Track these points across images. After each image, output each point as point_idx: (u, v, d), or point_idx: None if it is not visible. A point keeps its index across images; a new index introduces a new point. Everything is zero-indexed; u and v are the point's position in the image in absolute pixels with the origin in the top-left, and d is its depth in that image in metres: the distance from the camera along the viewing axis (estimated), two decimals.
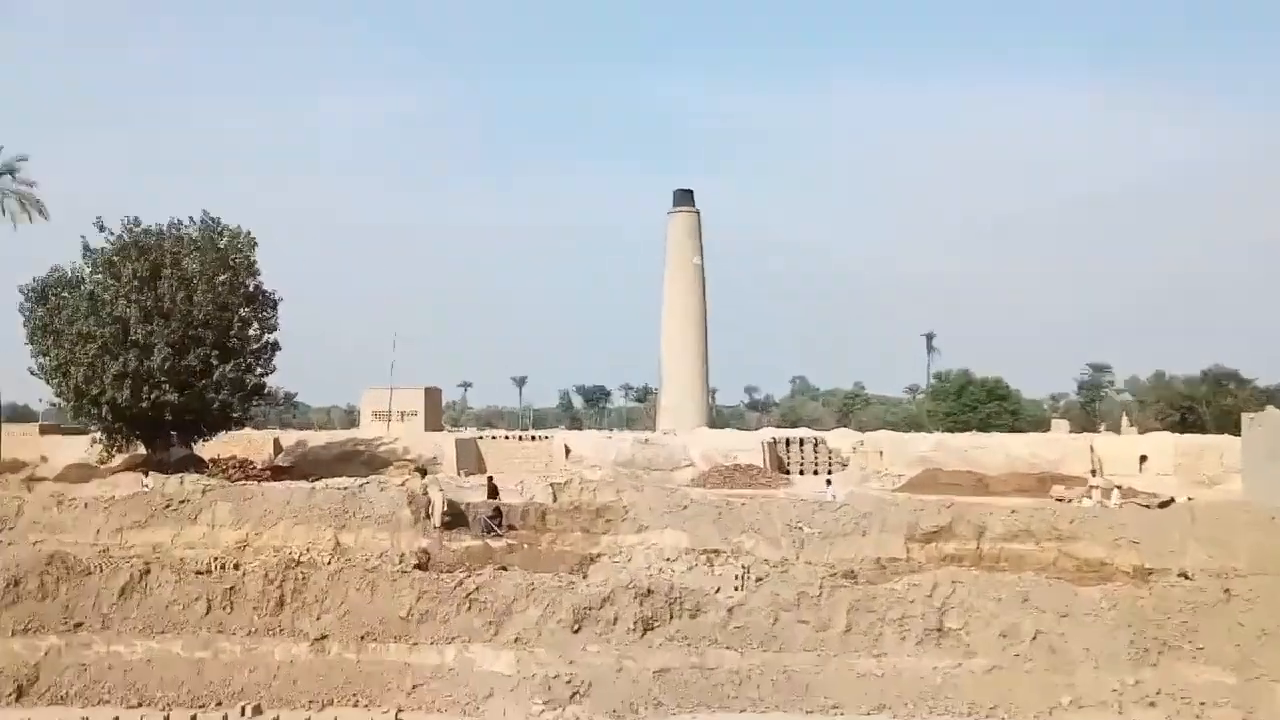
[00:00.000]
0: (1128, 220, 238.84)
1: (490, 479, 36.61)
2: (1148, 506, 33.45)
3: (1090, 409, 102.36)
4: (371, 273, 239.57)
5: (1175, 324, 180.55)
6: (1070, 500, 37.15)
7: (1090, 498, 37.61)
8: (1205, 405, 69.96)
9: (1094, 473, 45.82)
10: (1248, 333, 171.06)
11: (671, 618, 22.30)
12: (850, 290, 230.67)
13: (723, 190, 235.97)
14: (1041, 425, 74.94)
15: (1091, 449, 49.84)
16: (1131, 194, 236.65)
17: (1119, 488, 39.67)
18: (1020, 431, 64.00)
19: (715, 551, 26.07)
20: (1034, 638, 21.23)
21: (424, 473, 34.45)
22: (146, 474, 38.23)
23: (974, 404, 75.81)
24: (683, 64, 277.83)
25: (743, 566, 23.81)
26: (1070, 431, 63.72)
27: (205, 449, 50.06)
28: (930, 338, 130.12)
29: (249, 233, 48.54)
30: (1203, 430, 59.93)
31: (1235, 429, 45.12)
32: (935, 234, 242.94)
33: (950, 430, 65.89)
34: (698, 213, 75.84)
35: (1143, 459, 48.61)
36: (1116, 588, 22.48)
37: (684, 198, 76.09)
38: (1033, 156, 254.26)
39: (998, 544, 26.95)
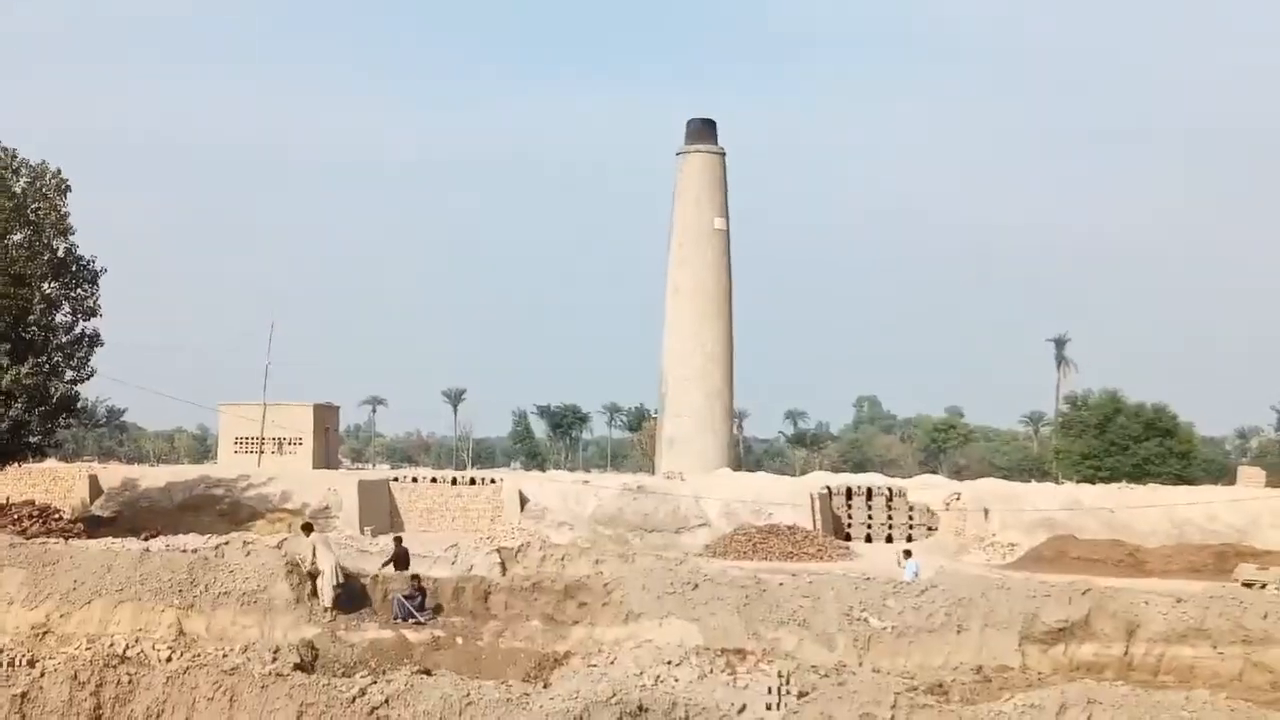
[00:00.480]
0: None
1: (398, 540, 36.31)
2: None
3: None
4: (241, 240, 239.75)
5: None
6: (1265, 586, 37.00)
7: None
8: None
9: None
10: None
11: None
12: (943, 269, 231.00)
13: (755, 119, 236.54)
14: (1224, 475, 74.93)
15: None
16: None
17: None
18: (1192, 483, 63.97)
19: (740, 652, 25.76)
20: None
21: (310, 528, 33.88)
22: None
23: (1125, 442, 75.76)
24: None
25: (780, 675, 23.45)
26: (1266, 484, 63.57)
27: None
28: (1061, 344, 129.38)
29: (59, 172, 48.55)
30: None
31: None
32: (1065, 186, 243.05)
33: (1089, 480, 65.91)
34: (722, 154, 75.26)
35: None
36: None
37: (702, 132, 75.51)
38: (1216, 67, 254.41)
39: (1157, 648, 26.69)
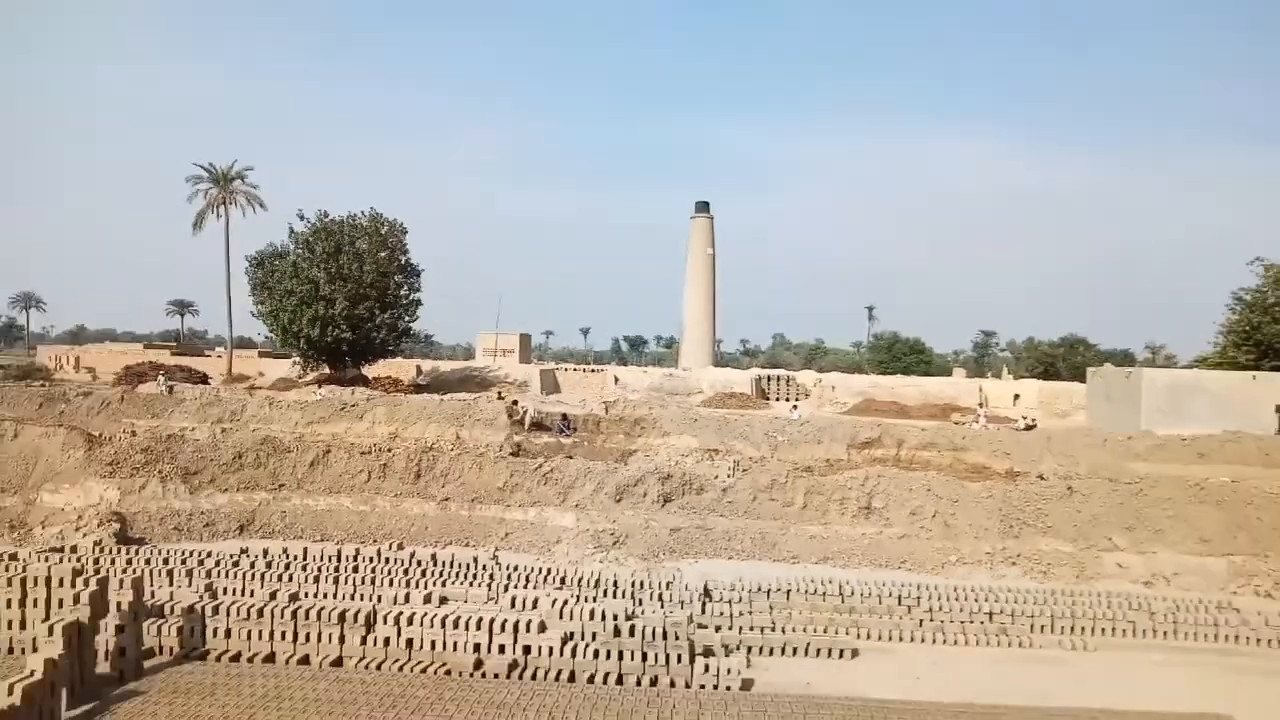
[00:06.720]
0: (1017, 223, 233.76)
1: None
2: (1019, 429, 33.25)
3: (981, 361, 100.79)
4: (486, 253, 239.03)
5: (1046, 303, 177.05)
6: (964, 423, 36.76)
7: (978, 422, 37.22)
8: (1063, 362, 68.49)
9: (981, 405, 45.16)
10: (1098, 310, 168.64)
11: (684, 494, 21.90)
12: (817, 275, 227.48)
13: (734, 200, 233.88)
14: (946, 372, 73.85)
15: (980, 389, 49.17)
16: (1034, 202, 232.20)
17: (1005, 417, 38.92)
18: (932, 375, 63.20)
19: (715, 450, 25.84)
20: (933, 516, 20.84)
21: (516, 405, 33.52)
22: (320, 385, 38.09)
23: (900, 355, 74.80)
24: (711, 110, 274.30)
25: (733, 461, 23.43)
26: (966, 376, 62.73)
27: (369, 370, 50.52)
28: (871, 309, 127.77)
29: (401, 223, 48.67)
30: (1060, 379, 58.90)
31: (1082, 379, 44.49)
32: (880, 235, 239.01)
33: (883, 374, 65.17)
34: (711, 218, 74.22)
35: (1016, 397, 47.91)
36: (993, 484, 22.01)
37: (702, 207, 74.49)
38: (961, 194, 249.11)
39: (912, 451, 26.72)
